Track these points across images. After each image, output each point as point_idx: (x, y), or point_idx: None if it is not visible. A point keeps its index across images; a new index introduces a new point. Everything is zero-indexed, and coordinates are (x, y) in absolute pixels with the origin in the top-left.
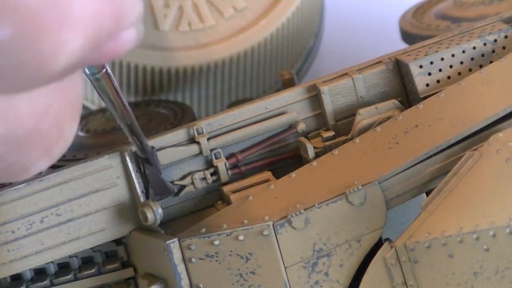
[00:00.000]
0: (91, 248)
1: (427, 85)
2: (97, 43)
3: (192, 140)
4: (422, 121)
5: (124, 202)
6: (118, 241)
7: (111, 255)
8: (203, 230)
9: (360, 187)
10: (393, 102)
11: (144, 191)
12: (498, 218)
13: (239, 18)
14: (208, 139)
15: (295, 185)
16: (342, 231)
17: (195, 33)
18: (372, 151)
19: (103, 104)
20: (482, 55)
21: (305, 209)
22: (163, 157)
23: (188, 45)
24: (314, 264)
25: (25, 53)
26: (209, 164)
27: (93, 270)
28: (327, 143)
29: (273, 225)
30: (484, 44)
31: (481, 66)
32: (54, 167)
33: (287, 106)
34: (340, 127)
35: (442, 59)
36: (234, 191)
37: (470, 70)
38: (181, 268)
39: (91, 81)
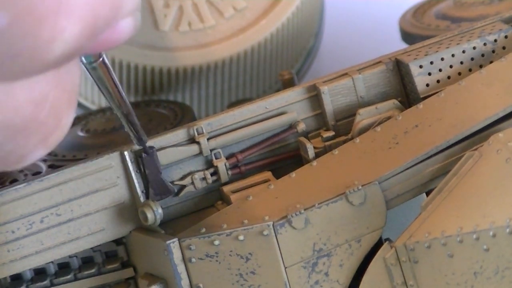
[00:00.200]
0: (91, 248)
1: (427, 85)
2: (94, 32)
3: (192, 140)
4: (422, 121)
5: (124, 202)
6: (118, 241)
7: (111, 255)
8: (203, 230)
9: (360, 187)
10: (393, 102)
11: (144, 191)
12: (498, 218)
13: (239, 18)
14: (208, 139)
15: (295, 185)
16: (342, 231)
17: (195, 33)
18: (372, 151)
19: (103, 104)
20: (482, 55)
21: (305, 209)
22: (163, 157)
23: (188, 45)
24: (314, 264)
25: (22, 40)
26: (209, 164)
27: (93, 270)
28: (327, 143)
29: (273, 225)
30: (484, 44)
31: (481, 66)
32: (54, 167)
33: (287, 106)
34: (340, 127)
35: (442, 59)
36: (234, 191)
37: (470, 70)
38: (181, 268)
39: (87, 70)
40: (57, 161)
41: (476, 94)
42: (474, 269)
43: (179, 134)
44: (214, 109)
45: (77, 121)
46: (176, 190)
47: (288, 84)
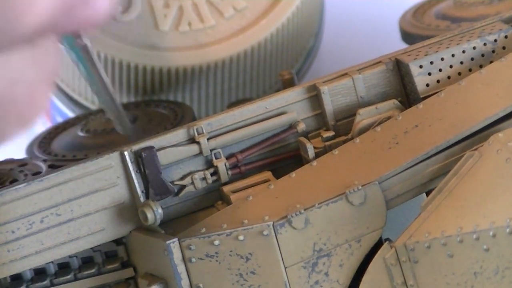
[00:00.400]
0: (91, 248)
1: (427, 85)
2: (67, 5)
3: (192, 140)
4: (422, 121)
5: (124, 202)
6: (118, 241)
7: (111, 255)
8: (203, 230)
9: (360, 187)
10: (393, 102)
11: (144, 191)
12: (498, 218)
13: (239, 18)
14: (208, 139)
15: (295, 185)
16: (342, 231)
17: (195, 33)
18: (372, 151)
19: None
20: (482, 55)
21: (305, 209)
22: (163, 157)
23: (188, 45)
24: (314, 264)
25: None
26: (209, 164)
27: (93, 270)
28: (327, 143)
29: (273, 225)
30: (484, 44)
31: (481, 66)
32: (54, 167)
33: (287, 106)
34: (340, 127)
35: (442, 59)
36: (234, 191)
37: (470, 70)
38: (181, 268)
39: (67, 52)
40: (57, 161)
41: (476, 94)
42: (474, 269)
43: (179, 134)
44: (214, 109)
45: (77, 121)
46: (176, 190)
47: (288, 84)
